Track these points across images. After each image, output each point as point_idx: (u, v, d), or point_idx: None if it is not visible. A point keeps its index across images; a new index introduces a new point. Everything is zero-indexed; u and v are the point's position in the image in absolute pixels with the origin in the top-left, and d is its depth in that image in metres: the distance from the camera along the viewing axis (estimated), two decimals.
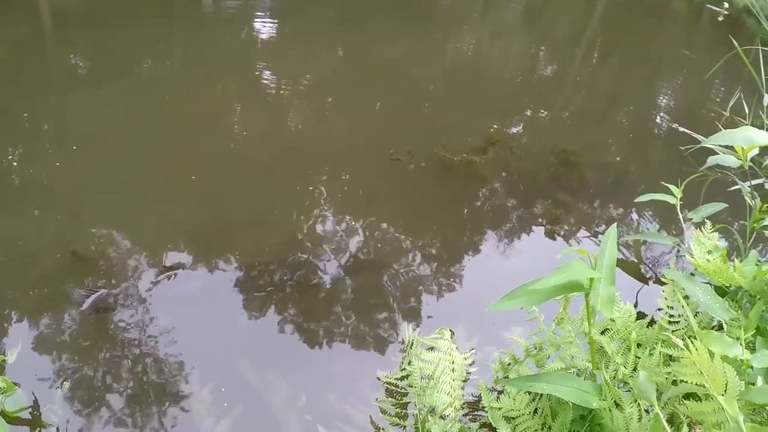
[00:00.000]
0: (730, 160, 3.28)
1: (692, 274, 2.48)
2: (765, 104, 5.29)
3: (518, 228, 3.76)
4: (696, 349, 1.42)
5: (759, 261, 2.25)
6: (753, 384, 1.52)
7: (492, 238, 3.63)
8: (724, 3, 13.56)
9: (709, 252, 2.48)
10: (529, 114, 5.65)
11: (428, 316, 2.91)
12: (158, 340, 2.64)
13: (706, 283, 2.33)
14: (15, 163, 3.74)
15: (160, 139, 4.12)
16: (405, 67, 6.23)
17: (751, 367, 1.58)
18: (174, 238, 3.25)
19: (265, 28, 7.09)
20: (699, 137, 5.24)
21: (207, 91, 4.97)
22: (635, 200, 3.40)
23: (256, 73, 5.59)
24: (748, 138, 2.89)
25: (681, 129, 5.76)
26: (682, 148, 4.71)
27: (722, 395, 1.35)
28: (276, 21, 7.21)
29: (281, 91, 5.17)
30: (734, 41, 5.29)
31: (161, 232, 3.29)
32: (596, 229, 3.87)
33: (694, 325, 1.87)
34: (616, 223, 1.93)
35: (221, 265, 3.10)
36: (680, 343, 1.46)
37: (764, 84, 5.18)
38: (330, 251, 3.30)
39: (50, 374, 2.44)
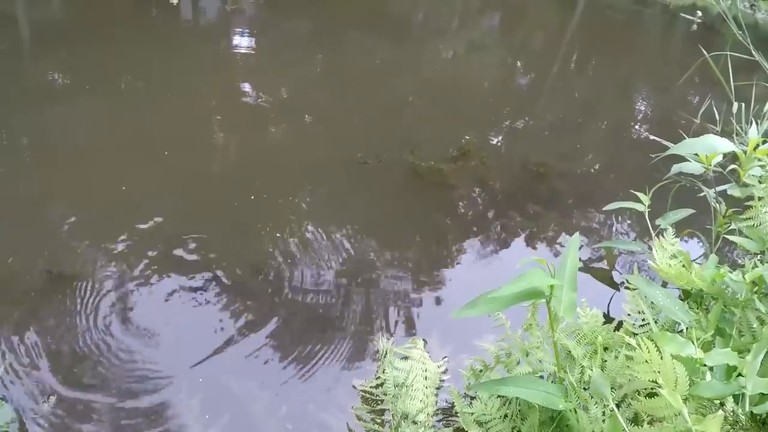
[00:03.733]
0: (693, 167, 3.38)
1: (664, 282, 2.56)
2: (734, 111, 5.44)
3: (489, 237, 3.83)
4: (647, 349, 1.49)
5: (717, 265, 2.33)
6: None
7: (463, 247, 3.70)
8: (698, 12, 13.81)
9: (673, 257, 2.56)
10: (502, 124, 5.75)
11: (401, 326, 2.97)
12: (141, 352, 2.68)
13: (674, 288, 2.42)
14: None
15: (138, 153, 4.15)
16: (380, 78, 6.33)
17: (706, 366, 1.65)
18: (147, 251, 3.28)
19: (242, 40, 7.16)
20: (669, 144, 5.37)
21: (183, 103, 5.02)
22: (603, 209, 3.49)
23: (233, 85, 5.67)
24: (710, 146, 3.01)
25: (652, 137, 5.89)
26: (652, 155, 4.83)
27: (673, 390, 1.43)
28: (254, 33, 7.28)
29: (258, 103, 5.24)
30: (703, 50, 5.44)
31: (139, 245, 3.32)
32: (568, 238, 3.96)
33: (653, 327, 1.94)
34: (578, 233, 2.01)
35: (197, 278, 3.14)
36: (633, 342, 1.53)
37: (733, 91, 5.33)
38: (303, 262, 3.34)
39: (36, 389, 2.47)
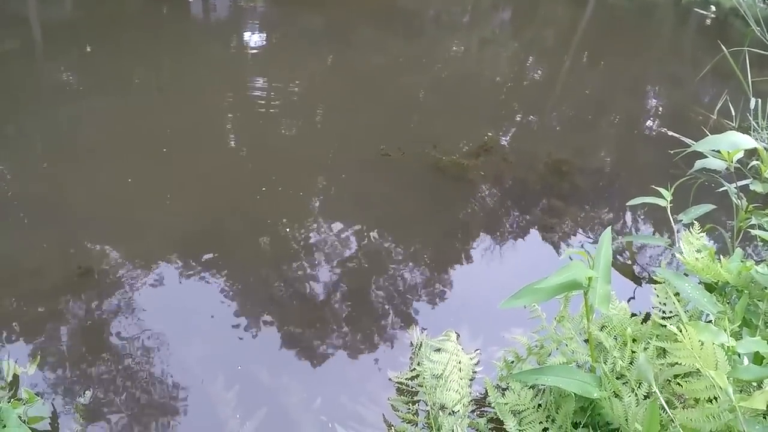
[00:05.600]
0: (716, 164, 3.44)
1: (685, 274, 2.63)
2: (752, 107, 5.46)
3: (512, 232, 3.90)
4: (689, 336, 1.56)
5: (743, 258, 2.39)
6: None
7: (487, 241, 3.77)
8: (711, 6, 13.71)
9: (698, 251, 2.63)
10: (520, 120, 5.81)
11: (432, 318, 3.05)
12: (169, 347, 2.76)
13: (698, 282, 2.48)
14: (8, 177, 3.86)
15: (152, 150, 4.25)
16: (395, 73, 6.41)
17: (737, 354, 1.72)
18: (174, 249, 3.37)
19: (254, 36, 7.26)
20: (687, 140, 5.40)
21: (198, 100, 5.12)
22: (627, 204, 3.55)
23: (248, 79, 5.75)
24: (733, 142, 3.06)
25: (670, 133, 5.91)
26: (671, 152, 4.87)
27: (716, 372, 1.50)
28: (266, 29, 7.38)
29: (273, 99, 5.32)
30: (722, 45, 5.47)
31: (160, 244, 3.41)
32: (589, 233, 4.02)
33: (684, 318, 2.01)
34: (610, 227, 2.08)
35: (226, 274, 3.23)
36: (675, 330, 1.61)
37: (750, 87, 5.35)
38: (331, 256, 3.43)
39: (71, 384, 2.56)
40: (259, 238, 3.52)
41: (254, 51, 6.82)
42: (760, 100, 5.51)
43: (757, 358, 1.81)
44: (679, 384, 1.68)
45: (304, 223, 3.69)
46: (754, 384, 1.69)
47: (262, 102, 5.22)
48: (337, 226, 3.69)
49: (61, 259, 3.18)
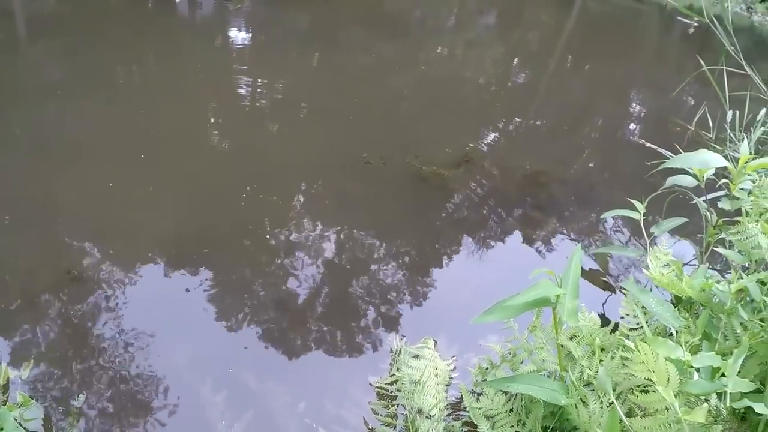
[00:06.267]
0: (687, 180, 3.58)
1: (657, 285, 2.76)
2: (728, 120, 5.62)
3: (491, 242, 4.03)
4: (644, 352, 1.69)
5: (707, 275, 2.53)
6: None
7: (466, 250, 3.90)
8: (694, 16, 13.87)
9: (666, 265, 2.76)
10: (501, 130, 5.94)
11: (410, 326, 3.16)
12: (158, 350, 2.86)
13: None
14: None
15: (135, 150, 4.33)
16: (379, 77, 6.53)
17: (693, 367, 1.85)
18: (160, 253, 3.46)
19: (239, 36, 7.34)
20: (664, 152, 5.56)
21: (182, 100, 5.21)
22: (601, 216, 3.69)
23: (231, 80, 5.85)
24: (703, 161, 3.20)
25: (648, 145, 6.07)
26: (648, 163, 5.03)
27: (666, 387, 1.64)
28: (250, 29, 7.46)
29: (256, 101, 5.42)
30: (701, 60, 5.63)
31: (147, 246, 3.50)
32: (565, 243, 4.15)
33: (647, 331, 2.14)
34: (579, 245, 2.21)
35: (212, 278, 3.33)
36: (631, 345, 1.74)
37: (727, 100, 5.51)
38: (315, 265, 3.54)
39: (64, 387, 2.65)
40: (242, 242, 3.62)
41: (238, 51, 6.89)
42: (738, 112, 5.69)
43: (713, 372, 1.95)
44: (635, 395, 1.81)
45: (286, 229, 3.79)
46: (703, 397, 1.83)
47: (246, 105, 5.33)
48: (319, 233, 3.81)
49: (50, 263, 3.26)
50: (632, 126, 7.05)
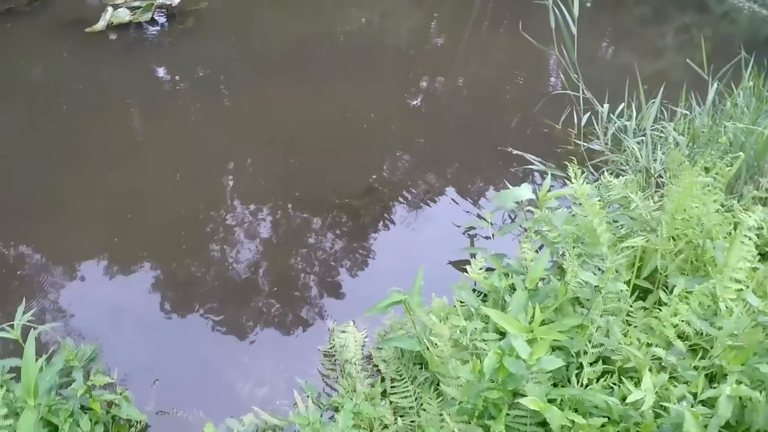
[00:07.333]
0: (510, 205, 5.78)
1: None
2: (602, 113, 7.57)
3: (383, 252, 6.06)
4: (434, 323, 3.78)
5: (500, 273, 4.64)
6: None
7: (370, 259, 5.93)
8: None
9: (480, 268, 4.88)
10: (396, 162, 7.79)
11: (337, 314, 5.18)
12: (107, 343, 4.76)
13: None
14: None
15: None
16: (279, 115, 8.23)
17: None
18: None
19: (149, 69, 8.92)
20: (529, 157, 7.40)
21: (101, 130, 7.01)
22: (462, 226, 5.83)
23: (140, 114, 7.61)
24: (516, 196, 5.34)
25: (515, 152, 7.49)
26: (511, 170, 7.17)
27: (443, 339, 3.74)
28: (161, 65, 9.08)
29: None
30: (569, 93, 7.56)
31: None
32: (430, 246, 6.25)
33: (459, 309, 4.24)
34: (422, 267, 4.24)
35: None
36: (433, 319, 3.82)
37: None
38: (261, 276, 5.50)
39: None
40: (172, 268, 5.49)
41: (149, 81, 8.53)
42: (608, 105, 7.36)
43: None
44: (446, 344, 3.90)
45: (220, 245, 5.73)
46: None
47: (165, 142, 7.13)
48: (251, 250, 5.75)
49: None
50: (503, 131, 8.44)
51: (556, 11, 6.60)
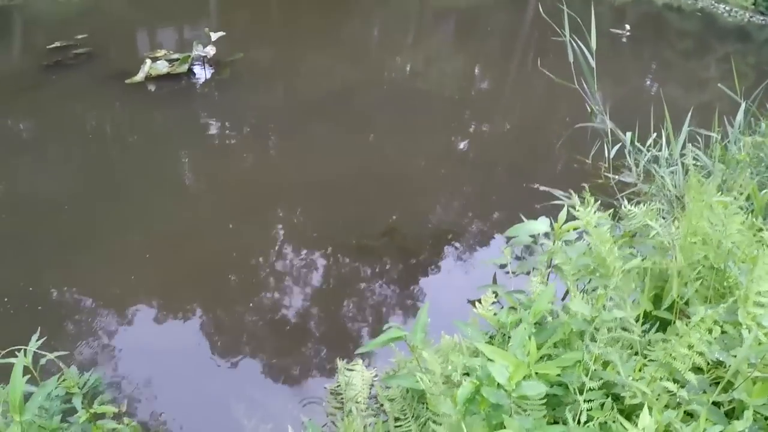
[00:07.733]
0: (525, 239, 5.63)
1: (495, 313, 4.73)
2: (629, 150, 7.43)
3: (400, 293, 5.98)
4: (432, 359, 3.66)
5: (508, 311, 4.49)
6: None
7: (383, 301, 5.86)
8: (626, 25, 15.41)
9: (491, 302, 4.73)
10: (415, 202, 7.67)
11: (347, 352, 5.11)
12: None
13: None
14: None
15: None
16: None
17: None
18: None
19: (186, 116, 9.22)
20: (557, 193, 7.35)
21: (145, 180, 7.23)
22: (485, 262, 5.71)
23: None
24: (531, 229, 5.21)
25: (541, 188, 7.67)
26: (537, 206, 7.04)
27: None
28: (197, 113, 9.35)
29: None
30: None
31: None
32: (454, 286, 6.13)
33: (463, 347, 4.11)
34: (427, 303, 4.15)
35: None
36: (429, 355, 3.70)
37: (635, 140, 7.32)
38: (276, 318, 5.48)
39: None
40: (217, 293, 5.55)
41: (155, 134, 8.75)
42: (636, 135, 7.30)
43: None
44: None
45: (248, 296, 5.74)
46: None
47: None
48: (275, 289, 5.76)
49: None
50: (534, 167, 8.42)
51: (575, 45, 6.54)
